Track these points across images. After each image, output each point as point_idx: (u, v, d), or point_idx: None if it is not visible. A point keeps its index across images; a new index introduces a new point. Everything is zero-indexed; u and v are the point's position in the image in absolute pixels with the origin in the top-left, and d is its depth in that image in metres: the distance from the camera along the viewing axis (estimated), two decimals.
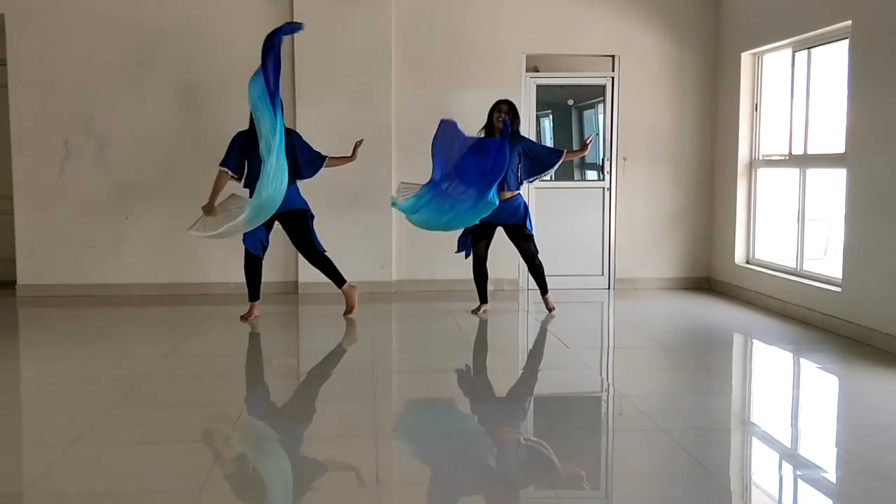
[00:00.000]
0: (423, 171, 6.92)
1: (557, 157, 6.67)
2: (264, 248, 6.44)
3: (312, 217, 6.51)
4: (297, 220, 6.41)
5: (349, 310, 6.67)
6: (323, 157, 6.50)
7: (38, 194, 7.72)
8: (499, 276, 7.56)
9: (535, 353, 6.09)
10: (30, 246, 7.74)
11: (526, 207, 6.74)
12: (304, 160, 6.40)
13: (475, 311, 6.86)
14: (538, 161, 6.66)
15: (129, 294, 7.72)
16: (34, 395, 4.89)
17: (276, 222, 6.44)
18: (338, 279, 6.61)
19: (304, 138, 6.53)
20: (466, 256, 6.80)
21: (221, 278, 7.84)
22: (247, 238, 6.35)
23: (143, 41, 7.69)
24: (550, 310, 6.86)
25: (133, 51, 7.69)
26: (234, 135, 6.34)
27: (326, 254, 6.55)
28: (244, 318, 6.56)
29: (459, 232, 6.70)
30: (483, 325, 6.64)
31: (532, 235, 6.75)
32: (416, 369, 5.48)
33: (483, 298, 6.90)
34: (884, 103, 5.65)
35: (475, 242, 6.74)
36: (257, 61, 7.77)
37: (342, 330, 6.50)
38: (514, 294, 6.98)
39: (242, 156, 6.24)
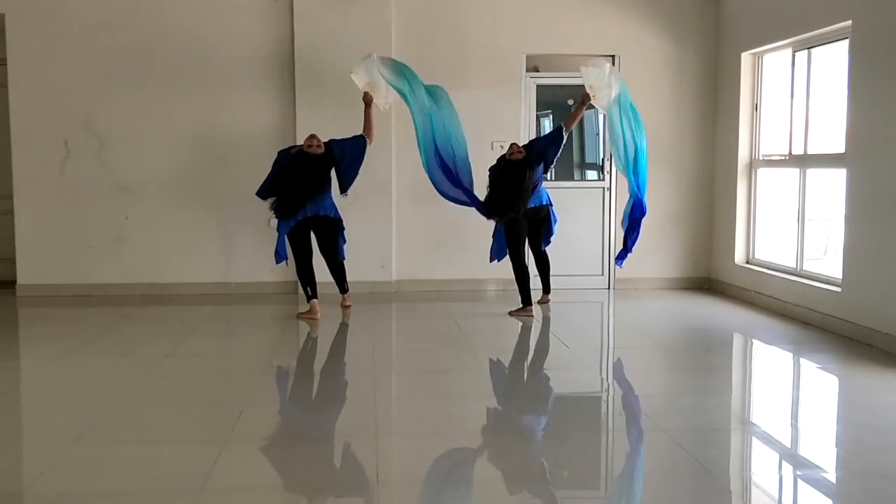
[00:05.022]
0: (422, 170, 6.90)
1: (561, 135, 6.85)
2: (311, 254, 6.77)
3: (344, 227, 6.80)
4: (331, 227, 6.74)
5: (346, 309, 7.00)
6: (362, 137, 6.79)
7: (38, 194, 7.72)
8: (499, 276, 7.57)
9: (536, 354, 6.09)
10: (30, 246, 7.74)
11: (547, 194, 6.97)
12: (346, 164, 6.70)
13: (517, 313, 6.82)
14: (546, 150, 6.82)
15: (129, 294, 7.72)
16: (34, 395, 4.89)
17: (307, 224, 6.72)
18: (342, 286, 6.97)
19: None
20: (499, 260, 6.91)
21: (221, 278, 7.85)
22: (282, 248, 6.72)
23: (143, 41, 7.69)
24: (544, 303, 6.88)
25: (133, 51, 7.69)
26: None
27: (344, 262, 6.92)
28: (302, 315, 6.75)
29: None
30: (483, 326, 6.64)
31: (553, 217, 6.98)
32: (416, 369, 5.48)
33: (528, 299, 6.87)
34: (884, 103, 5.65)
35: (516, 240, 6.78)
36: (257, 61, 7.81)
37: (342, 330, 6.51)
38: (515, 294, 6.99)
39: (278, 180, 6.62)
